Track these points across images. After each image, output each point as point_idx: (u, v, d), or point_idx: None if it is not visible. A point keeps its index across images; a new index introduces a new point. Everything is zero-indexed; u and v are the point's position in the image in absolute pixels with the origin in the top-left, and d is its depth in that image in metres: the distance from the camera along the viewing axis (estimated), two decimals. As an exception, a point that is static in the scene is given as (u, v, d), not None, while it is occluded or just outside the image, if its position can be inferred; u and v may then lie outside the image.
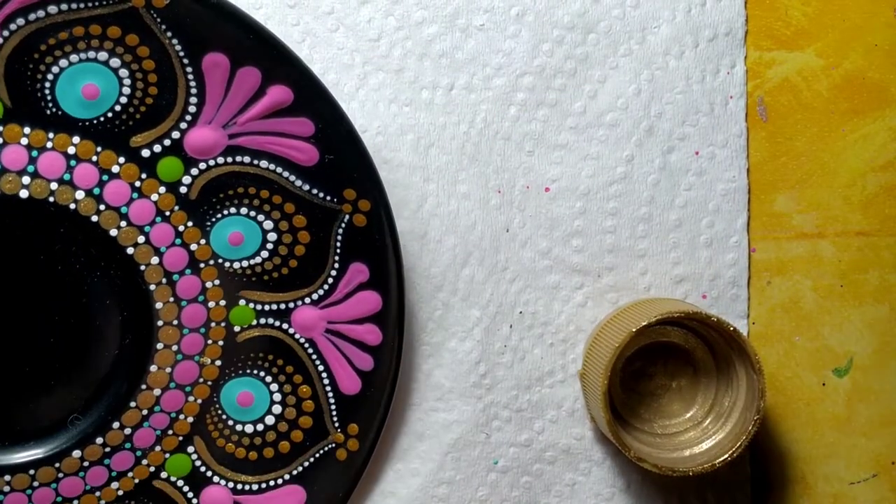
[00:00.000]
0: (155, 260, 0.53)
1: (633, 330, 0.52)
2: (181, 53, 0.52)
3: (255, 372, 0.55)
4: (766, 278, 0.59)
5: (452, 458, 0.57)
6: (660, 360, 0.57)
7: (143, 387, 0.54)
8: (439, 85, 0.57)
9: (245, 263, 0.54)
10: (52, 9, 0.51)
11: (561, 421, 0.58)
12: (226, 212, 0.54)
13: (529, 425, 0.58)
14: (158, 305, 0.54)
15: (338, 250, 0.54)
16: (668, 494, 0.58)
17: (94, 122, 0.52)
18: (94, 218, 0.53)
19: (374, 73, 0.57)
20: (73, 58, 0.51)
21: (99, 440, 0.54)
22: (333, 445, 0.55)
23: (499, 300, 0.57)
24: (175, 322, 0.54)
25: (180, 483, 0.55)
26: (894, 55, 0.59)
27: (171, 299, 0.54)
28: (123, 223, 0.53)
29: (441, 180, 0.57)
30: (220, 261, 0.54)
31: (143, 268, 0.53)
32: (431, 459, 0.57)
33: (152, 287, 0.53)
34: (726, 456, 0.53)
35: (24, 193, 0.52)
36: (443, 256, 0.57)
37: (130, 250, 0.53)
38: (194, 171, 0.53)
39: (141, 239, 0.53)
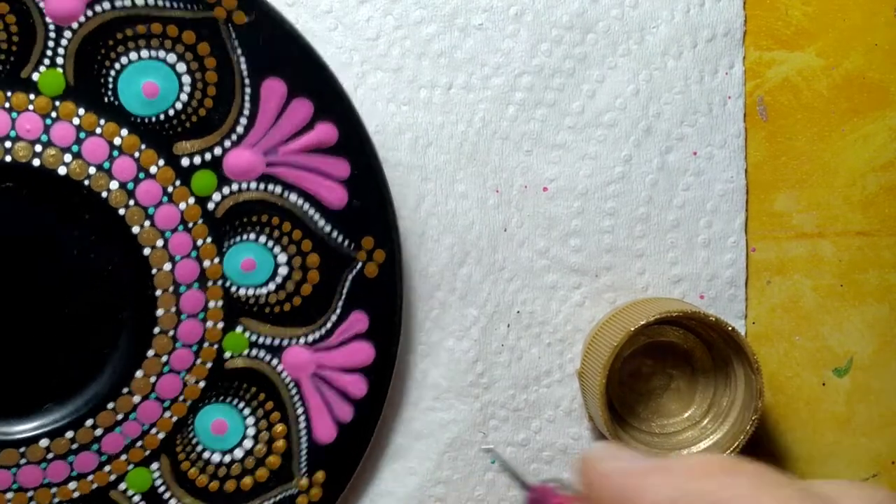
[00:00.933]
0: (168, 266, 0.53)
1: (632, 329, 0.52)
2: (245, 72, 0.53)
3: (235, 402, 0.55)
4: (766, 278, 0.59)
5: (449, 458, 0.57)
6: (658, 359, 0.57)
7: (125, 390, 0.54)
8: (438, 84, 0.57)
9: (251, 291, 0.54)
10: (140, 1, 0.51)
11: (558, 421, 0.58)
12: (245, 237, 0.54)
13: (527, 425, 0.58)
14: (160, 312, 0.54)
15: (343, 296, 0.54)
16: None
17: (146, 119, 0.53)
18: (122, 211, 0.53)
19: (372, 72, 0.57)
20: (144, 53, 0.52)
21: (69, 434, 0.54)
22: (295, 492, 0.55)
23: (496, 299, 0.57)
24: (171, 333, 0.54)
25: (136, 498, 0.55)
26: (894, 55, 0.59)
27: (174, 309, 0.54)
28: (147, 223, 0.53)
29: (439, 179, 0.57)
30: (228, 283, 0.54)
31: (154, 271, 0.53)
32: (429, 458, 0.57)
33: (158, 293, 0.54)
34: (725, 455, 0.53)
35: (62, 170, 0.52)
36: (440, 255, 0.57)
37: (147, 251, 0.53)
38: (226, 191, 0.53)
39: (160, 243, 0.53)
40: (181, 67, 0.52)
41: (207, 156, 0.53)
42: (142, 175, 0.53)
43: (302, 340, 0.55)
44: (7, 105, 0.52)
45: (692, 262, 0.58)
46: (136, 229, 0.53)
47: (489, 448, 0.51)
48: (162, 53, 0.52)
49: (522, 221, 0.57)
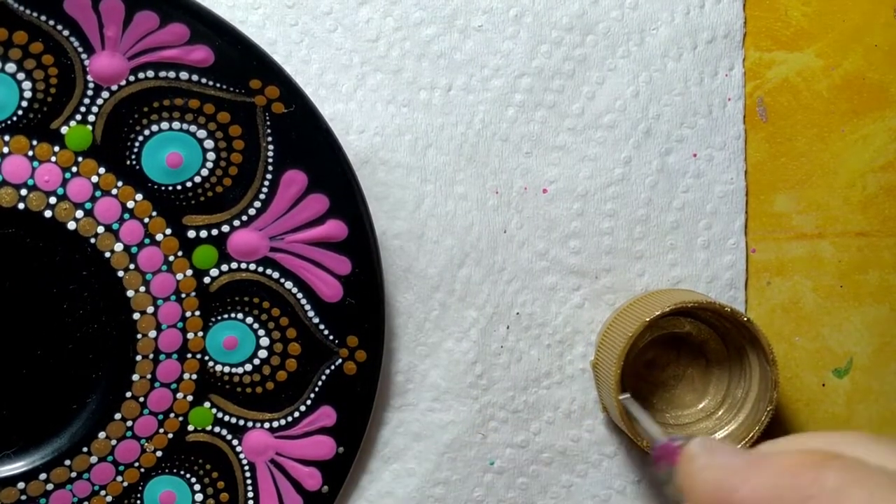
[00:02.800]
0: (153, 333, 0.54)
1: (647, 320, 0.52)
2: (270, 158, 0.53)
3: (188, 476, 0.55)
4: (766, 279, 0.59)
5: (449, 459, 0.58)
6: (672, 350, 0.58)
7: (84, 449, 0.54)
8: (437, 86, 0.57)
9: (227, 369, 0.55)
10: (184, 75, 0.52)
11: (557, 422, 0.58)
12: (233, 315, 0.54)
13: (526, 426, 0.58)
14: (135, 377, 0.54)
15: (316, 389, 0.55)
16: (665, 498, 0.58)
17: (162, 188, 0.53)
18: (121, 273, 0.53)
19: (372, 74, 0.57)
20: (175, 125, 0.52)
21: (20, 485, 0.54)
22: None
23: (496, 301, 0.57)
24: (142, 399, 0.54)
25: None
26: (894, 56, 0.59)
27: (149, 376, 0.54)
28: (143, 288, 0.53)
29: (438, 181, 0.57)
30: (206, 358, 0.55)
31: (139, 336, 0.54)
32: (428, 460, 0.58)
33: (139, 358, 0.54)
34: (739, 446, 0.53)
35: (71, 225, 0.53)
36: (440, 257, 0.57)
37: (137, 315, 0.54)
38: (224, 268, 0.54)
39: (150, 309, 0.54)
40: (209, 144, 0.53)
41: (214, 231, 0.54)
42: (147, 241, 0.53)
43: (266, 425, 0.55)
44: (30, 153, 0.52)
45: (692, 264, 0.58)
46: (130, 293, 0.53)
47: (626, 397, 0.51)
48: (193, 128, 0.52)
49: (522, 223, 0.57)
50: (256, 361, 0.55)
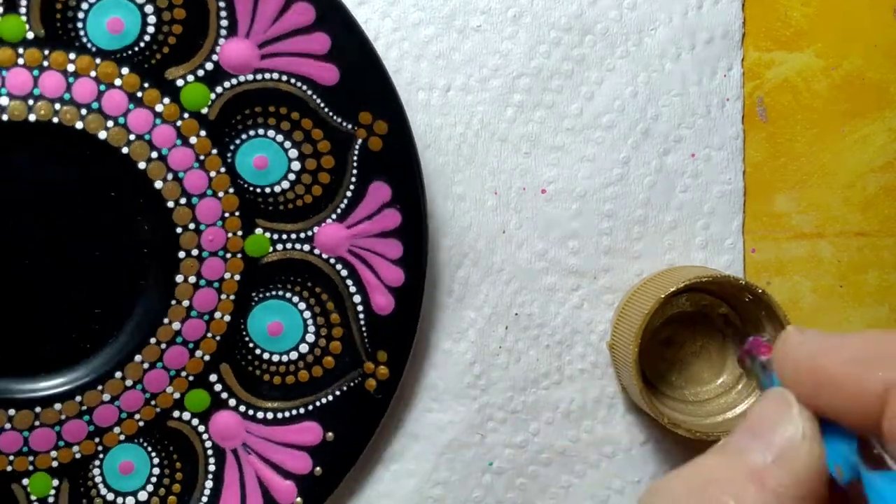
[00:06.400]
0: (171, 176, 0.54)
1: (662, 297, 0.52)
2: (353, 180, 0.54)
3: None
4: (766, 279, 0.59)
5: (447, 460, 0.58)
6: (688, 327, 0.58)
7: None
8: (436, 86, 0.57)
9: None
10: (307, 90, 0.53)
11: (556, 423, 0.58)
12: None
13: (525, 427, 0.58)
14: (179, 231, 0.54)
15: (354, 172, 0.54)
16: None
17: (248, 186, 0.54)
18: (179, 230, 0.53)
19: (370, 75, 0.57)
20: (270, 133, 0.54)
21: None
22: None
23: (494, 301, 0.58)
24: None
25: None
26: (894, 56, 0.59)
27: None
28: (154, 154, 0.53)
29: (437, 181, 0.57)
30: (247, 338, 0.55)
31: (171, 204, 0.53)
32: (426, 460, 0.58)
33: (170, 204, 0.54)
34: None
35: (158, 184, 0.53)
36: (438, 257, 0.57)
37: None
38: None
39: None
40: (296, 166, 0.54)
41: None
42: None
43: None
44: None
45: (690, 264, 0.58)
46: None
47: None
48: (287, 143, 0.54)
49: (521, 223, 0.57)
50: (297, 353, 0.55)
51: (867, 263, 0.59)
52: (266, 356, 0.55)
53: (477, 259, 0.57)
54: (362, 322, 0.55)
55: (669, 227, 0.58)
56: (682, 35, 0.57)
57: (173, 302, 0.54)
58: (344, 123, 0.53)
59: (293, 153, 0.54)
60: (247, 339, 0.55)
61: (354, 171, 0.54)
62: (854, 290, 0.59)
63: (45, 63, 0.52)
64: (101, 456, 0.54)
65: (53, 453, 0.54)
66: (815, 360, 0.31)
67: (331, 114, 0.53)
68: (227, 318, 0.54)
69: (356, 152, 0.54)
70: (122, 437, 0.54)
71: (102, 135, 0.52)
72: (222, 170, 0.54)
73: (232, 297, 0.54)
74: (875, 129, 0.59)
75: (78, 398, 0.54)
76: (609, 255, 0.58)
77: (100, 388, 0.54)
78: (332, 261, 0.54)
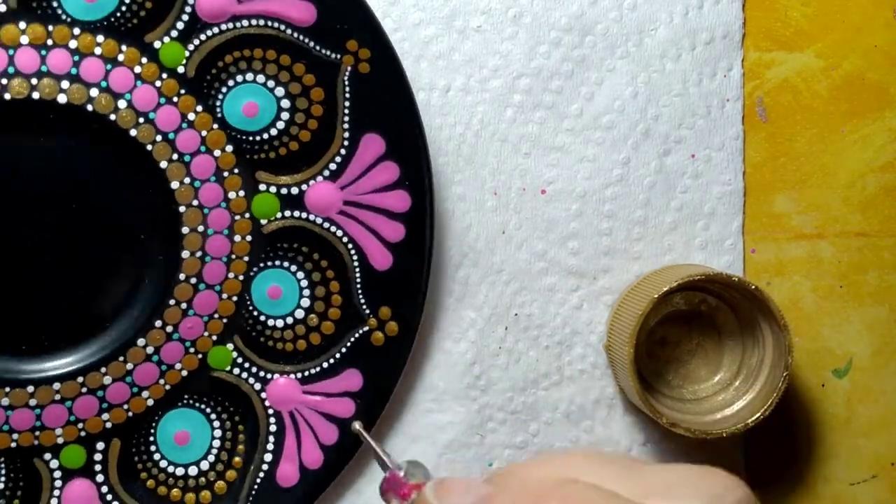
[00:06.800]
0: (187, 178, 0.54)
1: (656, 296, 0.52)
2: (346, 122, 0.54)
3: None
4: (766, 279, 0.59)
5: (447, 460, 0.58)
6: (684, 326, 0.58)
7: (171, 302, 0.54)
8: (436, 86, 0.57)
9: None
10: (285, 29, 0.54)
11: (556, 423, 0.58)
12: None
13: (524, 428, 0.58)
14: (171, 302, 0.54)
15: (346, 105, 0.54)
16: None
17: (240, 135, 0.54)
18: (182, 208, 0.53)
19: (370, 75, 0.57)
20: (259, 78, 0.54)
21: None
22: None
23: (494, 302, 0.57)
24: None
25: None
26: (894, 56, 0.59)
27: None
28: (159, 137, 0.53)
29: (437, 182, 0.57)
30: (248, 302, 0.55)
31: (175, 185, 0.53)
32: (426, 461, 0.57)
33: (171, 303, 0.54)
34: (758, 415, 0.53)
35: (148, 147, 0.53)
36: (438, 258, 0.57)
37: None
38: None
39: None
40: (285, 103, 0.54)
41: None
42: (213, 178, 0.53)
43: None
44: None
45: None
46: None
47: (358, 429, 0.51)
48: (271, 83, 0.54)
49: (520, 224, 0.57)
50: (293, 318, 0.55)
51: (867, 264, 0.59)
52: (271, 322, 0.55)
53: (477, 259, 0.57)
54: (358, 279, 0.55)
55: (669, 227, 0.58)
56: (682, 35, 0.57)
57: (185, 254, 0.54)
58: (327, 53, 0.53)
59: (280, 91, 0.54)
60: (251, 307, 0.55)
61: (347, 105, 0.54)
62: (854, 290, 0.59)
63: (24, 39, 0.52)
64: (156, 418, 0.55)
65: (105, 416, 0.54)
66: None
67: (314, 45, 0.53)
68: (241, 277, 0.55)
69: (346, 80, 0.53)
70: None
71: (89, 107, 0.52)
72: (214, 126, 0.53)
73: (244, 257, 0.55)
74: (875, 130, 0.59)
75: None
76: (609, 255, 0.58)
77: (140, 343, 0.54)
78: (327, 224, 0.54)
